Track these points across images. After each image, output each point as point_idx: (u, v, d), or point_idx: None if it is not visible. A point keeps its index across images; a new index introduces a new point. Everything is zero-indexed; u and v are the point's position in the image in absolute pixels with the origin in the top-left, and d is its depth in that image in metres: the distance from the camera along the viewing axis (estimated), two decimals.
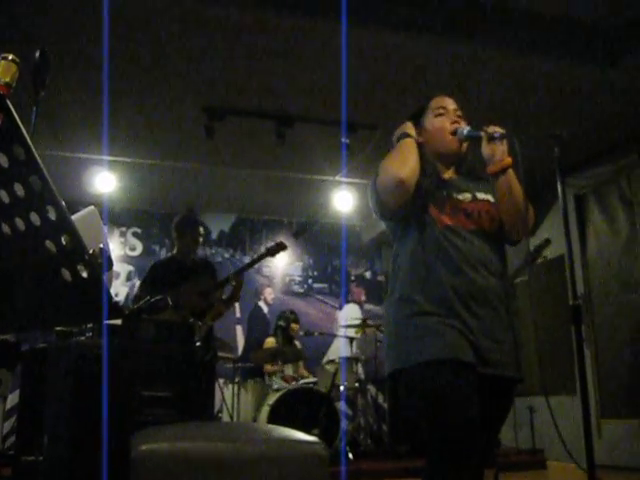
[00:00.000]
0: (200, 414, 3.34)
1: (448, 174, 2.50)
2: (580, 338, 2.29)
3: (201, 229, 5.27)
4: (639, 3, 4.35)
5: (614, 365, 6.21)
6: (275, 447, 2.19)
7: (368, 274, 9.33)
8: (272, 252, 5.31)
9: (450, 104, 2.52)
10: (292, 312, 7.46)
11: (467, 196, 2.39)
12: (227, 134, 5.90)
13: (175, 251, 5.26)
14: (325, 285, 9.23)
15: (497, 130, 2.32)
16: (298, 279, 9.09)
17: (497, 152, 2.31)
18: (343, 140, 5.85)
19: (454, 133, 2.43)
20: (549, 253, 5.60)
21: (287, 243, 5.34)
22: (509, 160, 2.31)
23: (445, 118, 2.47)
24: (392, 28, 4.48)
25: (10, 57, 1.37)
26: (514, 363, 2.26)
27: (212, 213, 8.59)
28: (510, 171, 2.32)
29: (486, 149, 2.33)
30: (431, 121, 2.50)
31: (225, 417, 6.11)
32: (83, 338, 3.24)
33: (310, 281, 9.17)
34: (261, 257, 5.32)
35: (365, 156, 6.22)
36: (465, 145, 2.45)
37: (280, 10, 4.29)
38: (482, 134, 2.34)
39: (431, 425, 2.17)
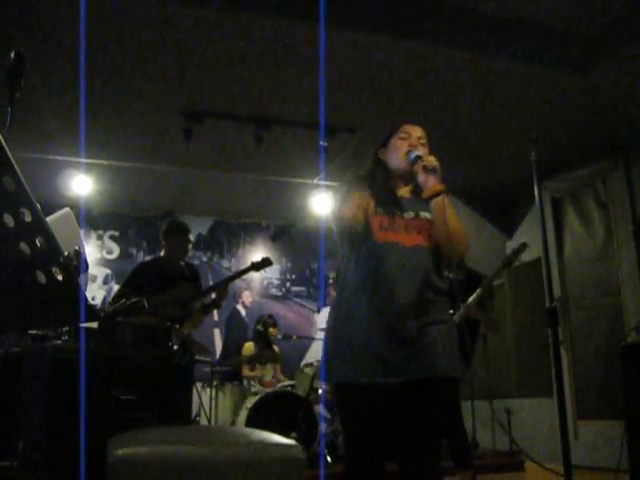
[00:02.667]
0: (177, 418, 3.32)
1: (402, 192, 2.77)
2: (557, 340, 2.32)
3: (190, 236, 5.25)
4: (611, 11, 4.39)
5: (590, 367, 6.26)
6: (253, 450, 2.18)
7: None
8: (257, 267, 5.31)
9: (416, 132, 2.79)
10: (270, 316, 7.45)
11: (410, 214, 2.66)
12: (205, 137, 5.88)
13: (163, 253, 5.23)
14: (303, 288, 9.22)
15: (432, 162, 2.57)
16: (276, 282, 9.07)
17: (430, 180, 2.57)
18: (322, 143, 5.85)
19: (406, 155, 2.69)
20: (525, 257, 5.65)
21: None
22: (439, 187, 2.56)
23: (405, 142, 2.74)
24: (371, 32, 4.49)
25: None
26: (431, 366, 2.43)
27: (190, 216, 8.52)
28: (443, 197, 2.56)
29: (421, 176, 2.60)
30: (393, 142, 2.79)
31: (203, 421, 6.06)
32: (59, 341, 3.21)
33: (288, 284, 9.16)
34: (246, 271, 5.32)
35: (343, 159, 6.23)
36: (417, 167, 2.66)
37: (259, 12, 4.28)
38: (419, 162, 2.59)
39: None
